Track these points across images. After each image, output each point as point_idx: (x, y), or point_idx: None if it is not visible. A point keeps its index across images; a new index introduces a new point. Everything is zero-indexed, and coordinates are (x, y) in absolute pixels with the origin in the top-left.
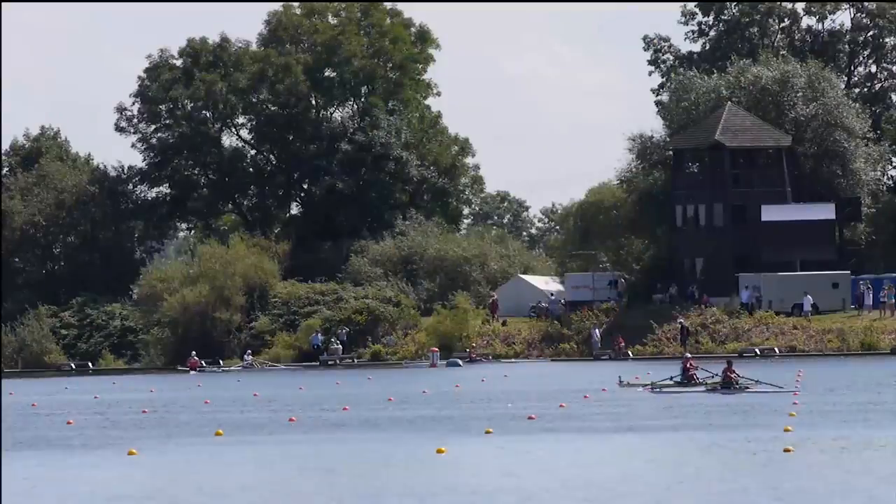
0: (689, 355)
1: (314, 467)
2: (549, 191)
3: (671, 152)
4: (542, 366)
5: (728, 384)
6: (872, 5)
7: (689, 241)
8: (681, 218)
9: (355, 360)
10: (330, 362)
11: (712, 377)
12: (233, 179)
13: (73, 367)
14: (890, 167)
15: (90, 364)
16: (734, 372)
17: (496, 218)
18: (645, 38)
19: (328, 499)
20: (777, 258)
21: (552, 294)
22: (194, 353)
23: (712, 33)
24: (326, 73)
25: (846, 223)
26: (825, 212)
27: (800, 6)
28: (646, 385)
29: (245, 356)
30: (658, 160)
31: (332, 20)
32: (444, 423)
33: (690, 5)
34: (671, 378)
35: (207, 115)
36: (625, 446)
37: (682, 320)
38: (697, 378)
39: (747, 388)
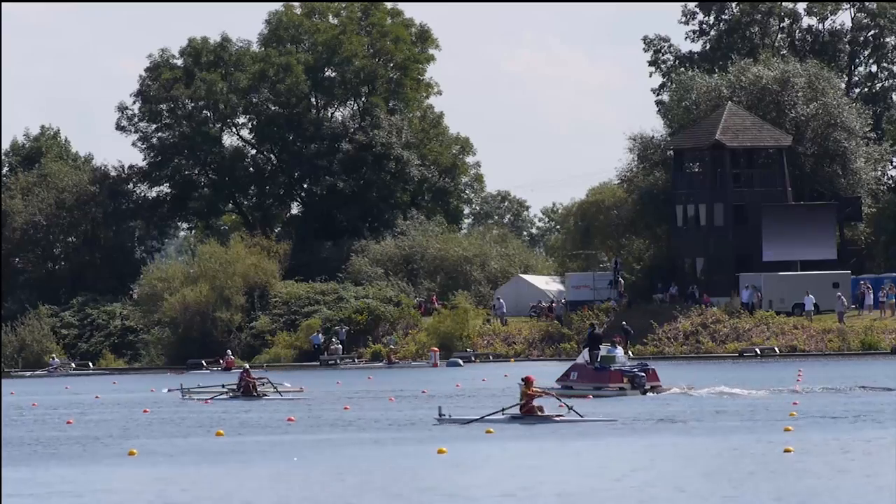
0: (247, 365)
1: (313, 468)
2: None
3: (672, 152)
4: (542, 365)
5: (248, 391)
6: (873, 5)
7: (690, 241)
8: (681, 218)
9: (356, 360)
10: (330, 362)
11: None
12: (233, 179)
13: (74, 366)
14: (890, 167)
15: (90, 364)
16: (252, 378)
17: (496, 218)
18: (645, 38)
19: (329, 500)
20: (777, 258)
21: (499, 297)
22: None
23: (713, 33)
24: (327, 73)
25: (846, 223)
26: (825, 212)
27: (800, 6)
28: (208, 396)
29: (51, 360)
30: (658, 160)
31: (332, 20)
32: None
33: (691, 5)
34: (222, 386)
35: (208, 114)
36: (626, 448)
37: (625, 324)
38: (255, 391)
39: (265, 395)
